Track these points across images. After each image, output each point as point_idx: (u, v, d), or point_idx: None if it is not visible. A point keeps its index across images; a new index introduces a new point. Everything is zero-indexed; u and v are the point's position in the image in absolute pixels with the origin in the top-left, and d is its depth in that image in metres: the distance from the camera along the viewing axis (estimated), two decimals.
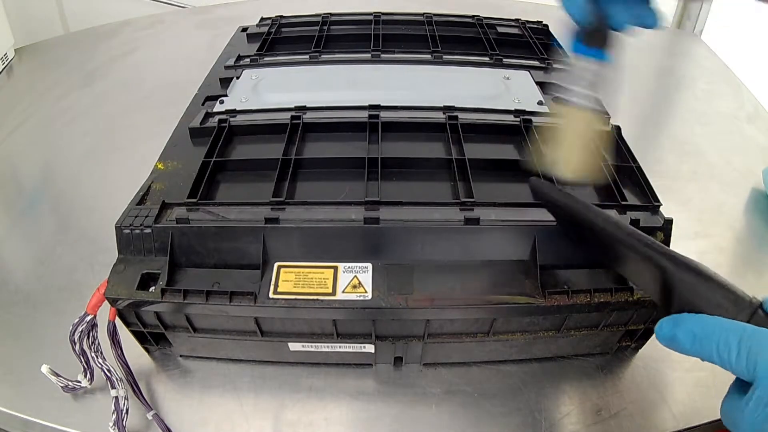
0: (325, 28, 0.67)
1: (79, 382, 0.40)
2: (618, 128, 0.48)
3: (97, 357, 0.39)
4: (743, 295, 0.27)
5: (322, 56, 0.60)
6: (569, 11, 0.32)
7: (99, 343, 0.39)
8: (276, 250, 0.38)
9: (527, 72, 0.58)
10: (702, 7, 1.09)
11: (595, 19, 0.32)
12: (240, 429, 0.39)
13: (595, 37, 0.33)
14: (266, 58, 0.60)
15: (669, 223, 0.39)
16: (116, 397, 0.38)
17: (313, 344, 0.40)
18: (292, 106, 0.50)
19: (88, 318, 0.37)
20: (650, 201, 0.41)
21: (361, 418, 0.40)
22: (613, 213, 0.38)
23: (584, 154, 0.37)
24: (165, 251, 0.38)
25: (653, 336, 0.42)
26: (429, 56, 0.60)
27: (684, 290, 0.28)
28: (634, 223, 0.38)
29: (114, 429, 0.38)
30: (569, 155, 0.37)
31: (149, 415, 0.39)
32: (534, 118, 0.48)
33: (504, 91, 0.54)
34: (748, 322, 0.26)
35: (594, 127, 0.36)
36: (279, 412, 0.40)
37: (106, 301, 0.37)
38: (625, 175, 0.43)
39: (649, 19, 0.32)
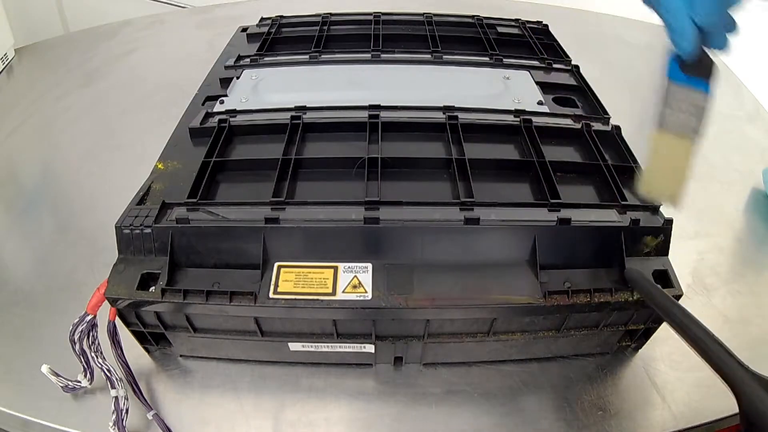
0: (325, 28, 0.67)
1: (79, 382, 0.40)
2: (618, 128, 0.48)
3: (97, 357, 0.39)
4: None
5: (322, 56, 0.60)
6: (678, 44, 0.32)
7: (99, 343, 0.39)
8: (276, 250, 0.38)
9: (527, 72, 0.58)
10: None
11: (700, 50, 0.32)
12: (240, 429, 0.39)
13: (698, 67, 0.33)
14: (266, 58, 0.60)
15: (669, 223, 0.39)
16: (116, 397, 0.38)
17: (313, 344, 0.40)
18: (292, 106, 0.50)
19: (88, 318, 0.37)
20: (650, 201, 0.41)
21: (361, 418, 0.40)
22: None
23: (680, 179, 0.36)
24: (165, 251, 0.38)
25: (653, 336, 0.42)
26: (429, 56, 0.60)
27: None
28: (635, 222, 0.38)
29: (114, 429, 0.38)
30: (665, 180, 0.37)
31: (149, 415, 0.39)
32: (534, 118, 0.48)
33: (504, 91, 0.54)
34: None
35: (691, 153, 0.35)
36: (279, 412, 0.40)
37: (106, 301, 0.37)
38: (625, 175, 0.43)
39: (733, 27, 0.32)
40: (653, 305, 0.35)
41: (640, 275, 0.37)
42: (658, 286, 0.36)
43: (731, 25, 0.31)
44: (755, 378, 0.28)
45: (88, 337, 0.38)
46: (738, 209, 0.60)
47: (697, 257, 0.53)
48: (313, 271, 0.37)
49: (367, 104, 0.50)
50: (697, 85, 0.34)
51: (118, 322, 0.39)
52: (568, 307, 0.37)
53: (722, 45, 0.32)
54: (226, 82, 0.56)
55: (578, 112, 0.52)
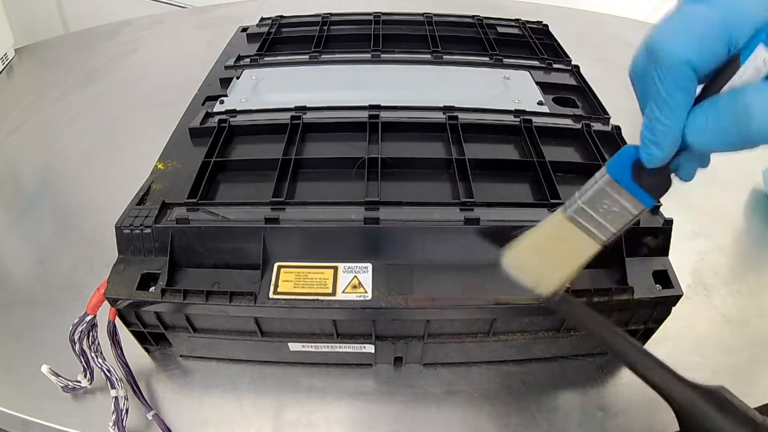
0: (325, 28, 0.67)
1: (79, 382, 0.40)
2: (618, 128, 0.48)
3: (97, 357, 0.39)
4: (755, 417, 0.26)
5: (322, 56, 0.60)
6: (649, 148, 0.26)
7: (99, 343, 0.39)
8: (276, 250, 0.38)
9: (527, 72, 0.58)
10: None
11: (665, 164, 0.26)
12: (240, 429, 0.39)
13: (655, 180, 0.27)
14: (266, 58, 0.60)
15: (669, 223, 0.39)
16: (116, 397, 0.38)
17: (313, 344, 0.40)
18: (292, 106, 0.50)
19: (88, 318, 0.37)
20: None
21: (361, 418, 0.40)
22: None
23: (560, 273, 0.30)
24: (165, 251, 0.38)
25: (653, 336, 0.42)
26: (429, 56, 0.60)
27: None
28: (634, 223, 0.38)
29: (114, 429, 0.38)
30: (541, 263, 0.31)
31: (149, 415, 0.39)
32: (534, 118, 0.48)
33: (504, 91, 0.54)
34: None
35: (587, 257, 0.29)
36: (279, 412, 0.40)
37: (106, 301, 0.37)
38: None
39: (705, 164, 0.28)
40: (583, 328, 0.32)
41: (565, 300, 0.32)
42: (587, 307, 0.32)
43: (707, 161, 0.28)
44: (693, 389, 0.27)
45: (88, 337, 0.38)
46: (738, 209, 0.60)
47: (697, 257, 0.53)
48: (313, 271, 0.37)
49: (367, 104, 0.50)
50: (643, 199, 0.27)
51: (118, 322, 0.39)
52: None
53: (688, 176, 0.28)
54: (226, 82, 0.56)
55: (578, 112, 0.52)
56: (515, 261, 0.31)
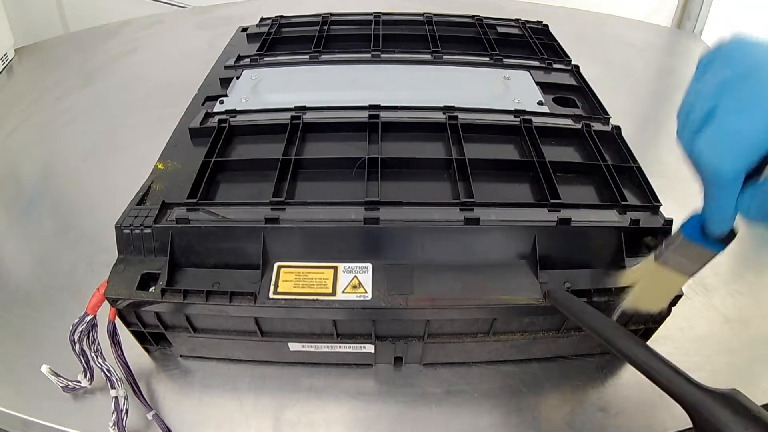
0: (325, 28, 0.67)
1: (79, 382, 0.40)
2: (618, 128, 0.48)
3: (97, 357, 0.39)
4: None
5: (322, 56, 0.60)
6: (713, 224, 0.29)
7: (99, 343, 0.39)
8: (276, 250, 0.38)
9: (527, 72, 0.58)
10: (702, 7, 1.09)
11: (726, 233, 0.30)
12: (240, 429, 0.39)
13: (720, 238, 0.30)
14: (266, 58, 0.60)
15: (669, 223, 0.39)
16: (116, 397, 0.38)
17: (313, 344, 0.40)
18: (292, 106, 0.50)
19: (88, 318, 0.37)
20: (650, 201, 0.41)
21: (361, 418, 0.40)
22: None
23: (666, 298, 0.36)
24: (165, 251, 0.38)
25: (653, 336, 0.42)
26: (429, 56, 0.60)
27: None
28: (635, 223, 0.38)
29: (114, 429, 0.38)
30: (652, 299, 0.36)
31: (149, 415, 0.39)
32: (534, 118, 0.48)
33: (504, 91, 0.54)
34: None
35: (681, 285, 0.34)
36: (279, 412, 0.40)
37: (106, 301, 0.37)
38: (625, 175, 0.43)
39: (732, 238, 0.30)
40: (587, 327, 0.34)
41: (567, 297, 0.35)
42: (589, 306, 0.34)
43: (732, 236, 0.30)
44: (707, 393, 0.28)
45: (88, 337, 0.38)
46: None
47: None
48: (313, 271, 0.37)
49: (367, 104, 0.50)
50: (712, 247, 0.31)
51: (118, 322, 0.39)
52: None
53: (719, 249, 0.30)
54: (226, 82, 0.56)
55: (578, 112, 0.52)
56: (635, 304, 0.35)
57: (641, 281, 0.35)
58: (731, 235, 0.30)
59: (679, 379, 0.29)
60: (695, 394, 0.28)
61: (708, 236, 0.30)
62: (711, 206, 0.28)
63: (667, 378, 0.29)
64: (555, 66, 0.59)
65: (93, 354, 0.39)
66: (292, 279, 0.37)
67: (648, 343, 0.43)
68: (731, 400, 0.27)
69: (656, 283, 0.34)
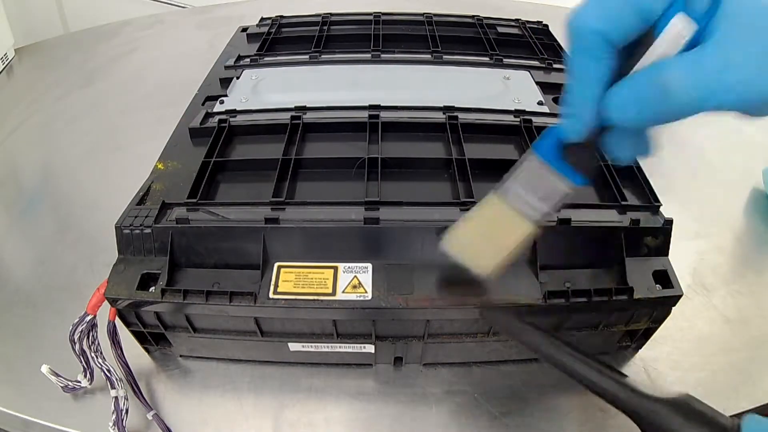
0: (325, 28, 0.67)
1: (79, 382, 0.40)
2: None
3: (97, 357, 0.39)
4: (724, 422, 0.25)
5: (322, 56, 0.60)
6: (568, 121, 0.26)
7: (99, 343, 0.39)
8: (276, 250, 0.38)
9: (527, 72, 0.58)
10: None
11: (590, 137, 0.26)
12: (240, 429, 0.39)
13: (580, 156, 0.27)
14: (266, 58, 0.60)
15: (669, 223, 0.39)
16: (116, 397, 0.38)
17: (313, 344, 0.40)
18: (292, 106, 0.50)
19: (88, 318, 0.37)
20: (650, 201, 0.41)
21: (361, 418, 0.40)
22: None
23: (497, 253, 0.31)
24: (165, 251, 0.38)
25: (653, 336, 0.42)
26: (429, 56, 0.60)
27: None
28: (635, 223, 0.38)
29: (114, 429, 0.38)
30: (480, 246, 0.31)
31: (149, 415, 0.39)
32: (534, 118, 0.48)
33: (504, 91, 0.54)
34: None
35: (525, 236, 0.29)
36: (279, 412, 0.40)
37: (106, 301, 0.37)
38: (625, 175, 0.43)
39: (645, 150, 0.26)
40: (523, 343, 0.32)
41: (503, 315, 0.33)
42: (525, 322, 0.32)
43: (645, 145, 0.26)
44: (656, 401, 0.27)
45: (88, 337, 0.38)
46: (738, 209, 0.60)
47: (697, 257, 0.53)
48: (313, 271, 0.37)
49: (367, 104, 0.50)
50: (570, 175, 0.27)
51: (118, 322, 0.39)
52: (568, 308, 0.37)
53: (625, 157, 0.26)
54: (226, 82, 0.56)
55: None
56: (455, 243, 0.32)
57: (472, 223, 0.31)
58: (590, 155, 0.26)
59: (623, 388, 0.27)
60: (642, 404, 0.27)
61: (566, 153, 0.26)
62: (569, 90, 0.24)
63: (612, 391, 0.28)
64: (555, 66, 0.59)
65: (93, 354, 0.39)
66: (292, 279, 0.37)
67: (648, 342, 0.43)
68: (683, 406, 0.26)
69: (492, 230, 0.30)
